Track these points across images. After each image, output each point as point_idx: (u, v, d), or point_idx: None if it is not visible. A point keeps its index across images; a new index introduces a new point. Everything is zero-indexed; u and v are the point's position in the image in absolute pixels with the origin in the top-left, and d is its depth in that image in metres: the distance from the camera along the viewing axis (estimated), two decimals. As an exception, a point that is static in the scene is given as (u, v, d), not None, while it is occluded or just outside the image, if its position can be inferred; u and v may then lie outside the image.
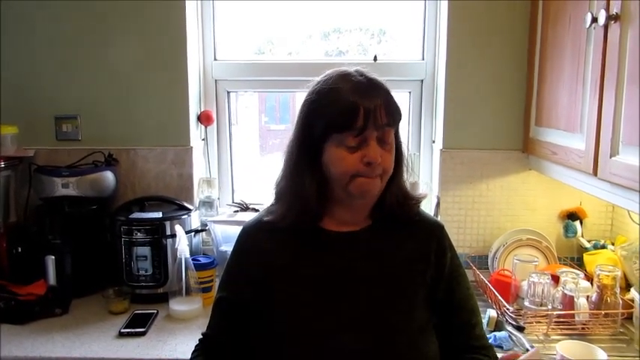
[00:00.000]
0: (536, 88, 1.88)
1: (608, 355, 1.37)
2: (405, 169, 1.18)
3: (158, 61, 2.05)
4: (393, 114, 1.08)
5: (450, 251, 1.20)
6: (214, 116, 2.21)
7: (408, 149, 2.17)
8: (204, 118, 2.17)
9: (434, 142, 2.18)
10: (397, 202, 1.16)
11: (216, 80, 2.22)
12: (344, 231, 1.16)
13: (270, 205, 1.22)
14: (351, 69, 1.11)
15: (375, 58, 2.13)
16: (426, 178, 2.19)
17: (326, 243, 1.15)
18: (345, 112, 1.04)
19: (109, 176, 1.98)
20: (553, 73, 1.73)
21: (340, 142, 1.06)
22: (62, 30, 2.05)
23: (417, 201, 1.20)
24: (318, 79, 1.13)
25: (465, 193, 2.07)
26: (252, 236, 1.21)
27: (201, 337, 1.25)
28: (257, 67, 2.23)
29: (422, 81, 2.18)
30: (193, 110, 2.13)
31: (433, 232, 1.20)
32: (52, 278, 1.79)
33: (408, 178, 1.20)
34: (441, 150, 2.06)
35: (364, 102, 1.04)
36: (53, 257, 1.79)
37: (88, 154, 2.05)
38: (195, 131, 2.16)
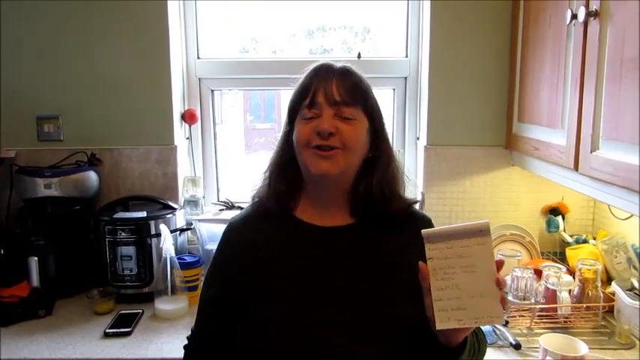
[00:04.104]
0: (519, 84, 1.90)
1: (590, 348, 1.40)
2: (392, 162, 1.19)
3: (140, 60, 2.04)
4: (351, 92, 1.12)
5: None
6: (198, 115, 2.20)
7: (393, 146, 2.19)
8: (188, 117, 2.16)
9: (418, 138, 2.19)
10: (383, 198, 1.16)
11: (199, 79, 2.21)
12: (330, 226, 1.16)
13: (254, 201, 1.23)
14: (333, 61, 1.16)
15: (359, 56, 2.13)
16: (410, 175, 2.19)
17: (312, 237, 1.15)
18: (301, 89, 1.14)
19: (92, 176, 1.96)
20: (534, 70, 1.75)
21: (301, 117, 1.13)
22: (43, 29, 2.02)
23: (405, 203, 1.20)
24: None
25: (449, 190, 2.08)
26: (237, 230, 1.21)
27: (190, 336, 1.25)
28: (241, 65, 2.22)
29: (406, 78, 2.19)
30: (177, 109, 2.12)
31: (421, 227, 1.20)
32: (35, 280, 1.77)
33: (400, 176, 1.20)
34: (425, 147, 2.07)
35: (318, 79, 1.12)
36: (36, 258, 1.77)
37: (71, 154, 2.03)
38: (180, 130, 2.15)
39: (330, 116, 1.10)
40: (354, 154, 1.12)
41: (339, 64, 1.16)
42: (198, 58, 2.20)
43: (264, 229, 1.17)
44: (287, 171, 1.18)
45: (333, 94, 1.10)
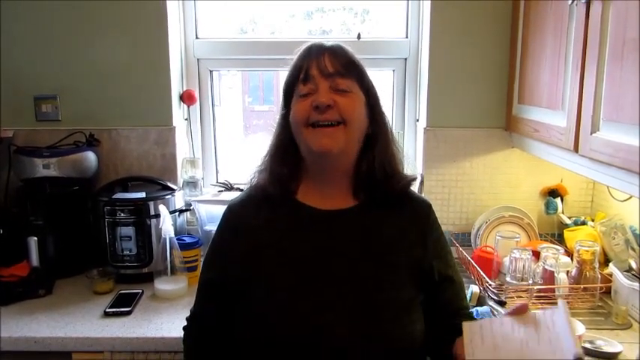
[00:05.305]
0: (519, 66, 1.89)
1: (587, 328, 1.41)
2: (391, 139, 1.18)
3: (139, 40, 2.02)
4: (345, 65, 1.11)
5: (437, 229, 1.21)
6: (197, 95, 2.19)
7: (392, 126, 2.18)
8: (186, 98, 2.15)
9: (418, 120, 2.18)
10: (385, 175, 1.15)
11: (198, 59, 2.19)
12: (330, 209, 1.16)
13: (254, 184, 1.22)
14: (324, 41, 1.16)
15: (359, 36, 2.11)
16: (410, 156, 2.19)
17: (312, 221, 1.15)
18: (294, 68, 1.14)
19: (90, 156, 1.96)
20: (535, 51, 1.74)
21: (297, 95, 1.12)
22: (40, 9, 2.00)
23: (406, 179, 1.20)
24: None
25: (448, 172, 2.08)
26: (238, 213, 1.20)
27: (189, 317, 1.25)
28: (240, 46, 2.20)
29: (406, 59, 2.17)
30: (175, 89, 2.10)
31: (421, 211, 1.21)
32: (34, 259, 1.77)
33: (399, 154, 1.20)
34: (424, 128, 2.07)
35: (311, 56, 1.12)
36: (35, 238, 1.77)
37: (69, 135, 2.02)
38: (178, 111, 2.14)
39: (326, 89, 1.09)
40: (353, 129, 1.10)
41: (329, 43, 1.15)
42: (197, 38, 2.18)
43: (264, 214, 1.17)
44: (287, 154, 1.17)
45: (326, 67, 1.10)
